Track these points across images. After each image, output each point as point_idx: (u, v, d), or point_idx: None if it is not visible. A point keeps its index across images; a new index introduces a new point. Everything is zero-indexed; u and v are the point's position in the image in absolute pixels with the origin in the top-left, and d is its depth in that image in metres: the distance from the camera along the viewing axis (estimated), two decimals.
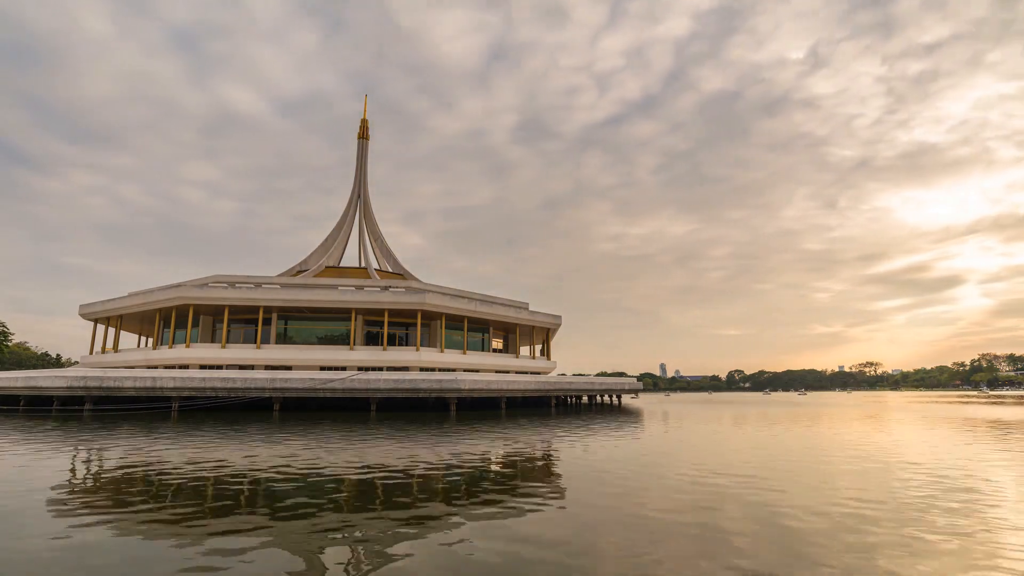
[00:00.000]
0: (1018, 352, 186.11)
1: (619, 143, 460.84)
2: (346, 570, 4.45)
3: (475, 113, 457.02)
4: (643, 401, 62.66)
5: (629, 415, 29.57)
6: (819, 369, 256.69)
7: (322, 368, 37.28)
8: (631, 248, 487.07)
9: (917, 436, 16.83)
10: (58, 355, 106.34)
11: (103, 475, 9.23)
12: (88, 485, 8.29)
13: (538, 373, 49.12)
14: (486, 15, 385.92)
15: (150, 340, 52.58)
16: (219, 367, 36.88)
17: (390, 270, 56.14)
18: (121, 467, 10.00)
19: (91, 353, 46.72)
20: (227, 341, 39.86)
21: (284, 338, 42.37)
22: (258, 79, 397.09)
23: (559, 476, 9.33)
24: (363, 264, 57.09)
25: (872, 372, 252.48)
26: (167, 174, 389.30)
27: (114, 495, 7.42)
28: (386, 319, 40.35)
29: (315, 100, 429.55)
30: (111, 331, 46.53)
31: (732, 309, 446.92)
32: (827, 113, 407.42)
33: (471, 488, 8.06)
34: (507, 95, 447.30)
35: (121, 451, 12.26)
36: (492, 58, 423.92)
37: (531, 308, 51.70)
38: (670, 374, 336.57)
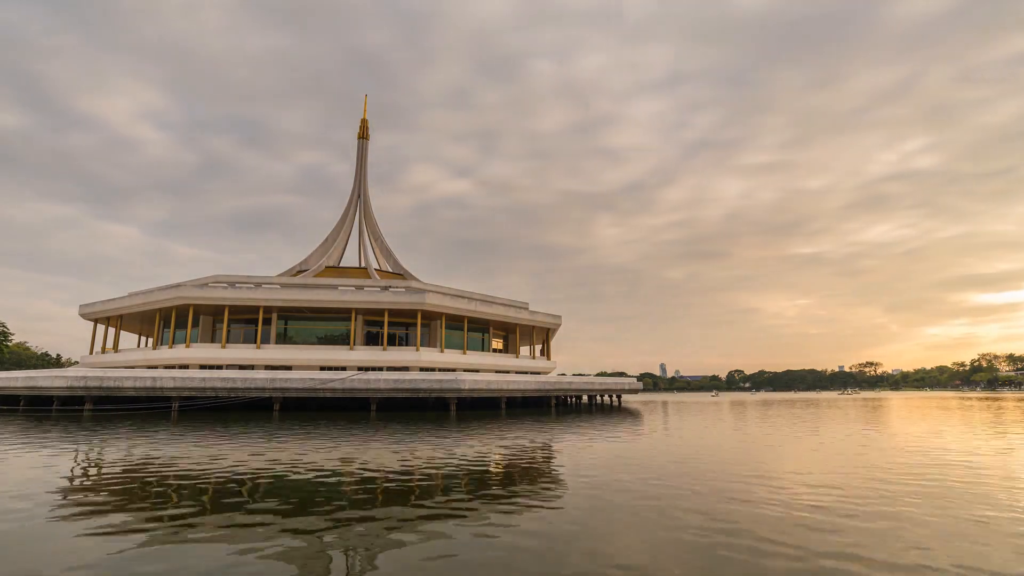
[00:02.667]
0: (1018, 352, 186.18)
1: None
2: (346, 570, 4.45)
3: None
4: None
5: (629, 415, 29.58)
6: (819, 369, 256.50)
7: (322, 368, 37.29)
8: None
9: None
10: (58, 355, 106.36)
11: (102, 476, 9.23)
12: (86, 486, 8.30)
13: (538, 373, 49.13)
14: None
15: (150, 340, 52.58)
16: (219, 367, 36.88)
17: (390, 270, 56.14)
18: (120, 468, 10.00)
19: (91, 353, 46.74)
20: (227, 341, 39.87)
21: (284, 338, 42.38)
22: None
23: (559, 476, 9.33)
24: (363, 264, 57.10)
25: (872, 372, 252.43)
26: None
27: (112, 496, 7.42)
28: (386, 319, 40.36)
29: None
30: (111, 331, 46.56)
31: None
32: None
33: (471, 488, 8.06)
34: None
35: (120, 452, 12.26)
36: None
37: (531, 308, 51.73)
38: (670, 374, 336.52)
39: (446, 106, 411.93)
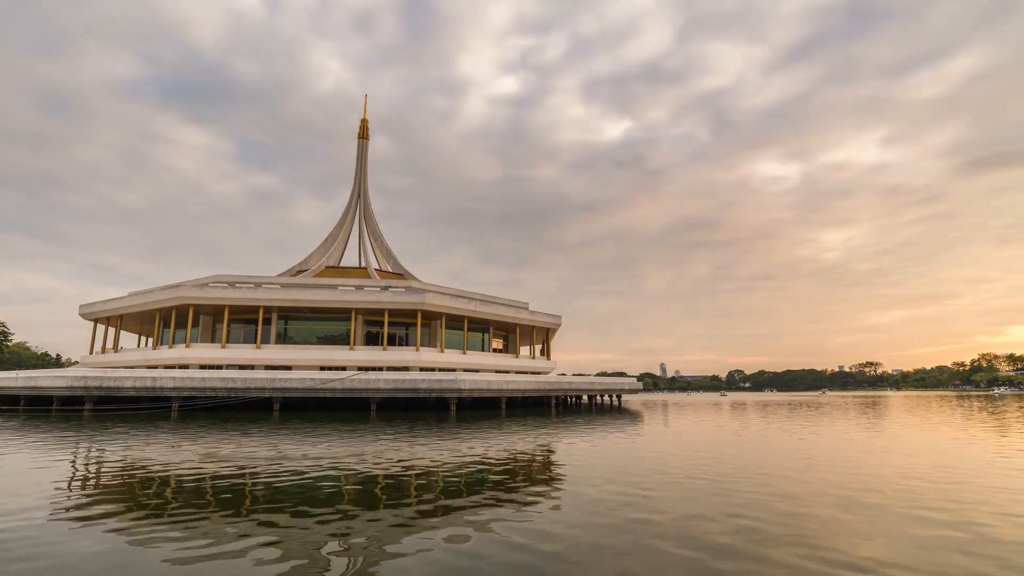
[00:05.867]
0: (1018, 352, 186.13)
1: None
2: (346, 570, 4.45)
3: None
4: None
5: (628, 415, 29.58)
6: (819, 369, 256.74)
7: (322, 368, 37.29)
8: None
9: None
10: (58, 355, 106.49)
11: (101, 476, 9.23)
12: (86, 486, 8.30)
13: (538, 373, 49.14)
14: None
15: (150, 340, 52.60)
16: (219, 367, 36.89)
17: (390, 270, 56.15)
18: (119, 468, 10.01)
19: (91, 353, 46.74)
20: (227, 341, 39.87)
21: (284, 338, 42.37)
22: None
23: (560, 476, 9.32)
24: (363, 264, 57.11)
25: (872, 372, 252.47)
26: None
27: (112, 496, 7.42)
28: (386, 319, 40.36)
29: None
30: (111, 331, 46.56)
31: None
32: None
33: (471, 488, 8.06)
34: None
35: (119, 451, 12.26)
36: None
37: (531, 308, 51.75)
38: (670, 374, 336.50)
39: None
